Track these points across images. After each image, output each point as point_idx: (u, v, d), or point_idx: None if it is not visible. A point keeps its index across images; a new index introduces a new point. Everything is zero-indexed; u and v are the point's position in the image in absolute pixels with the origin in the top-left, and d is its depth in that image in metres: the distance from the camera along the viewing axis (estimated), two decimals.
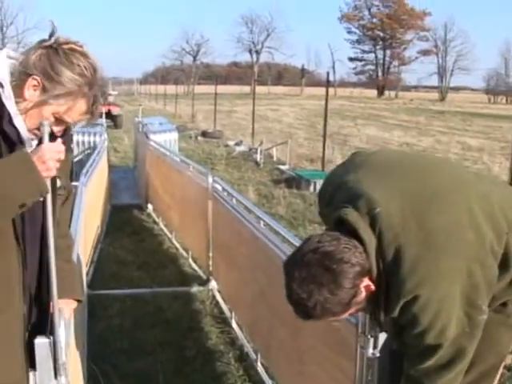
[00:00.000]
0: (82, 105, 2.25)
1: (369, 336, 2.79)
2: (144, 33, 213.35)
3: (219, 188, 6.08)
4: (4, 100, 2.13)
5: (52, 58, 2.17)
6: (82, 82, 2.20)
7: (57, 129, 2.28)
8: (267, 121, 30.43)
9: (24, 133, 2.20)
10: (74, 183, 5.80)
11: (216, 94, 26.89)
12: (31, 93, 2.17)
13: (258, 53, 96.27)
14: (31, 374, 2.41)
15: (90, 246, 6.69)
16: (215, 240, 6.23)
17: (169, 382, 4.46)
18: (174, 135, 11.02)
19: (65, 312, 2.52)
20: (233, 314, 5.62)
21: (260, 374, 4.60)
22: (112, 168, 11.35)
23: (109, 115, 21.67)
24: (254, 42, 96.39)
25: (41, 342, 2.38)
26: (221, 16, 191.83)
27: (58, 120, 2.24)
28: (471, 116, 41.82)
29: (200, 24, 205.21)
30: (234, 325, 5.51)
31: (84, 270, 5.76)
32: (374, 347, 2.81)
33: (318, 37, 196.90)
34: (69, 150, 2.47)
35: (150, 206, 9.85)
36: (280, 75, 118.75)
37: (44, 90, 2.17)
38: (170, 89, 49.91)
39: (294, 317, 3.64)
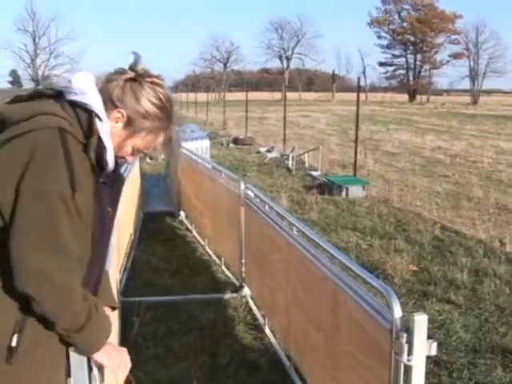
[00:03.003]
0: (161, 138, 2.28)
1: (403, 342, 2.76)
2: (174, 41, 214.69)
3: (251, 194, 6.07)
4: (102, 134, 2.12)
5: (137, 92, 2.18)
6: (164, 116, 2.23)
7: (130, 159, 2.31)
8: (298, 127, 30.39)
9: (111, 166, 2.21)
10: None
11: (247, 100, 26.94)
12: (113, 124, 2.18)
13: (288, 59, 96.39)
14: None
15: (124, 253, 6.74)
16: (248, 247, 6.23)
17: None
18: (206, 142, 11.06)
19: None
20: (266, 320, 5.60)
21: (294, 381, 4.58)
22: (144, 175, 11.42)
23: None
24: (283, 49, 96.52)
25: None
26: (251, 23, 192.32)
27: (135, 151, 2.28)
28: (504, 119, 41.32)
29: (230, 31, 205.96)
30: (268, 331, 5.50)
31: (118, 277, 5.81)
32: (409, 353, 2.79)
33: (348, 42, 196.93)
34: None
35: (182, 214, 9.88)
36: (310, 81, 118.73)
37: (129, 123, 2.20)
38: (201, 96, 50.19)
39: (329, 323, 3.65)
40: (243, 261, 6.40)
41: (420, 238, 8.83)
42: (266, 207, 5.41)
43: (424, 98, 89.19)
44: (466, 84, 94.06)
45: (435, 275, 7.16)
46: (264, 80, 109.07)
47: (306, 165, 16.73)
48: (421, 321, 2.77)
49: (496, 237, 9.02)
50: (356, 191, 12.46)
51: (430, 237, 8.94)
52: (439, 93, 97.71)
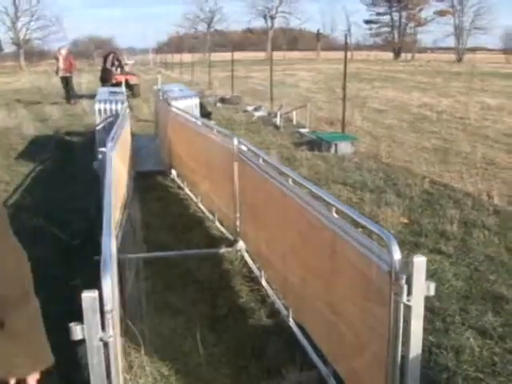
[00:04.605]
0: None
1: (403, 283, 2.86)
2: (158, 2, 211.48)
3: (244, 149, 6.13)
4: None
5: None
6: None
7: None
8: (284, 86, 30.21)
9: None
10: (101, 149, 5.90)
11: (233, 60, 26.79)
12: None
13: (272, 18, 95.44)
14: (79, 327, 2.50)
15: (118, 211, 6.79)
16: (242, 201, 6.30)
17: (204, 338, 4.56)
18: (196, 101, 11.03)
19: None
20: (262, 272, 5.71)
21: (292, 329, 4.70)
22: (134, 136, 11.43)
23: (126, 85, 21.64)
24: (268, 8, 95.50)
25: (87, 296, 2.48)
26: None
27: None
28: (489, 76, 41.29)
29: None
30: (264, 283, 5.61)
31: (114, 234, 5.87)
32: (408, 294, 2.89)
33: (332, 0, 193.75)
34: None
35: (173, 172, 9.93)
36: (295, 40, 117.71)
37: None
38: (186, 57, 49.70)
39: (328, 270, 3.73)
40: (237, 215, 6.47)
41: (410, 192, 8.94)
42: (261, 161, 5.47)
43: (409, 55, 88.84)
44: (450, 42, 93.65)
45: (426, 227, 7.28)
46: (248, 40, 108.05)
47: (294, 122, 16.77)
48: (419, 262, 2.87)
49: (484, 190, 9.14)
50: (345, 147, 12.53)
51: (419, 190, 9.05)
52: (424, 50, 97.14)
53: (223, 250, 6.55)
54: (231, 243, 6.69)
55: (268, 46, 76.34)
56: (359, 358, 3.38)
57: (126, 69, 25.65)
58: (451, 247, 6.58)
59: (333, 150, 12.41)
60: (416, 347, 2.94)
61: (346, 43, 14.40)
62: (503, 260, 6.23)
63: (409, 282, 2.87)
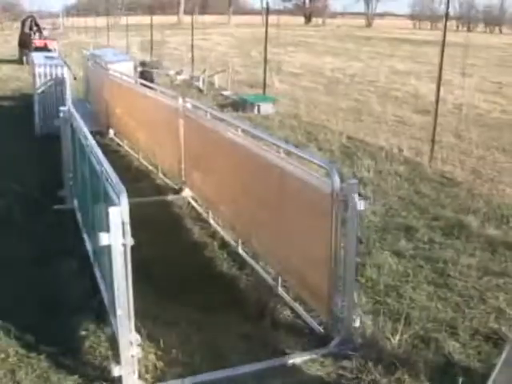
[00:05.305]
0: None
1: (341, 200, 3.81)
2: None
3: (189, 107, 6.93)
4: None
5: None
6: None
7: None
8: (201, 50, 30.72)
9: None
10: (63, 108, 6.56)
11: (152, 24, 27.17)
12: None
13: None
14: (106, 235, 3.32)
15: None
16: (187, 154, 7.10)
17: (168, 268, 5.34)
18: (130, 64, 11.66)
19: None
20: (209, 214, 6.57)
21: (242, 256, 5.60)
22: None
23: (45, 49, 21.72)
24: None
25: (114, 210, 3.30)
26: None
27: None
28: (398, 41, 42.98)
29: None
30: (212, 222, 6.47)
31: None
32: (345, 209, 3.84)
33: None
34: None
35: (111, 131, 10.57)
36: (205, 4, 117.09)
37: None
38: (98, 22, 49.11)
39: (276, 200, 4.63)
40: (183, 166, 7.27)
41: (330, 146, 9.96)
42: (208, 115, 6.30)
43: (320, 20, 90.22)
44: (360, 7, 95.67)
45: (346, 175, 8.25)
46: (157, 3, 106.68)
47: (216, 85, 17.52)
48: (353, 184, 3.84)
49: (395, 144, 10.25)
50: (267, 108, 13.46)
51: (338, 144, 10.09)
52: (334, 16, 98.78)
53: (171, 197, 7.36)
54: (177, 191, 7.50)
55: (180, 9, 75.95)
56: (307, 264, 4.31)
57: (45, 33, 25.65)
58: (369, 191, 7.60)
59: (256, 110, 13.32)
60: (352, 247, 3.92)
61: (267, 8, 15.26)
62: (412, 200, 7.32)
63: (345, 200, 3.83)
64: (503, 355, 2.78)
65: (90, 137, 4.94)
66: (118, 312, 3.41)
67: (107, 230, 3.33)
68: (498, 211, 6.95)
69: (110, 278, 3.60)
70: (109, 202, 3.62)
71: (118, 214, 3.30)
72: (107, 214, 3.32)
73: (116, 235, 3.33)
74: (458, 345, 4.10)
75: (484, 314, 4.54)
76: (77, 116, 5.94)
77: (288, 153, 4.70)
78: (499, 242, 5.98)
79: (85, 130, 5.21)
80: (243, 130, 5.40)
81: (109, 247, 3.38)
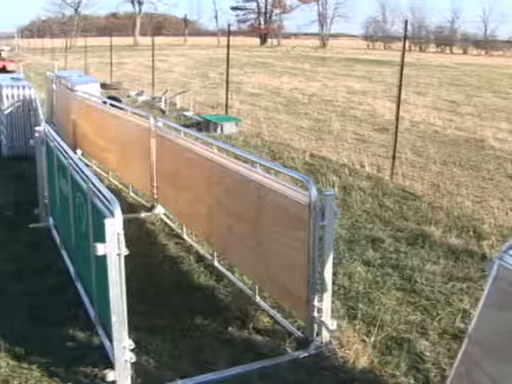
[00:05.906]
0: None
1: (319, 210, 4.07)
2: None
3: (160, 125, 7.16)
4: None
5: None
6: None
7: None
8: (159, 71, 30.97)
9: None
10: (39, 128, 6.70)
11: (112, 46, 27.30)
12: None
13: (140, 3, 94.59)
14: (102, 245, 3.52)
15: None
16: (160, 172, 7.29)
17: (146, 281, 5.53)
18: (97, 86, 11.82)
19: None
20: (184, 229, 6.77)
21: (218, 268, 5.81)
22: None
23: (4, 71, 21.70)
24: None
25: (109, 222, 3.51)
26: None
27: None
28: (353, 61, 43.83)
29: None
30: (186, 237, 6.68)
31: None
32: (322, 219, 4.10)
33: None
34: None
35: (78, 152, 10.69)
36: (160, 26, 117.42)
37: None
38: (55, 43, 49.05)
39: (254, 214, 4.87)
40: (155, 184, 7.46)
41: (294, 164, 10.26)
42: (182, 134, 6.53)
43: (275, 41, 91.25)
44: (314, 28, 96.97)
45: None
46: (113, 25, 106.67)
47: (178, 106, 17.75)
48: (330, 195, 4.11)
49: (357, 161, 10.60)
50: (230, 127, 13.74)
51: (302, 162, 10.41)
52: (288, 36, 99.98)
53: (143, 214, 7.54)
54: (149, 209, 7.69)
55: (136, 31, 76.18)
56: (285, 272, 4.55)
57: (3, 54, 25.60)
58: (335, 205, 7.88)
59: (219, 130, 13.58)
60: (328, 254, 4.17)
61: (228, 30, 15.55)
62: (377, 213, 7.64)
63: (322, 210, 4.09)
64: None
65: (72, 155, 5.10)
66: (113, 318, 3.61)
67: (102, 241, 3.54)
68: (458, 222, 7.32)
69: (103, 287, 3.78)
70: (100, 215, 3.82)
71: (113, 225, 3.51)
72: (102, 226, 3.52)
73: (111, 245, 3.53)
74: (429, 344, 4.40)
75: (451, 316, 4.85)
76: (54, 135, 6.10)
77: (264, 168, 4.96)
78: (461, 250, 6.33)
79: (66, 147, 5.37)
80: (218, 148, 5.64)
81: (102, 258, 3.58)
